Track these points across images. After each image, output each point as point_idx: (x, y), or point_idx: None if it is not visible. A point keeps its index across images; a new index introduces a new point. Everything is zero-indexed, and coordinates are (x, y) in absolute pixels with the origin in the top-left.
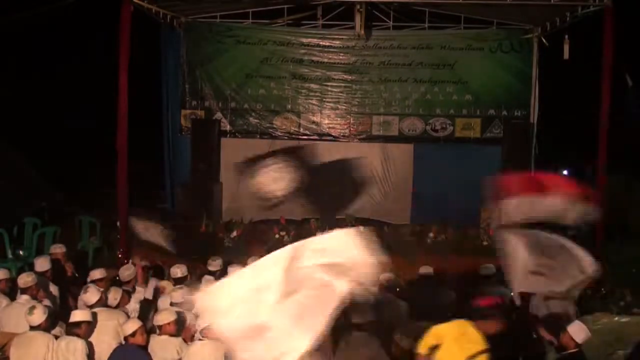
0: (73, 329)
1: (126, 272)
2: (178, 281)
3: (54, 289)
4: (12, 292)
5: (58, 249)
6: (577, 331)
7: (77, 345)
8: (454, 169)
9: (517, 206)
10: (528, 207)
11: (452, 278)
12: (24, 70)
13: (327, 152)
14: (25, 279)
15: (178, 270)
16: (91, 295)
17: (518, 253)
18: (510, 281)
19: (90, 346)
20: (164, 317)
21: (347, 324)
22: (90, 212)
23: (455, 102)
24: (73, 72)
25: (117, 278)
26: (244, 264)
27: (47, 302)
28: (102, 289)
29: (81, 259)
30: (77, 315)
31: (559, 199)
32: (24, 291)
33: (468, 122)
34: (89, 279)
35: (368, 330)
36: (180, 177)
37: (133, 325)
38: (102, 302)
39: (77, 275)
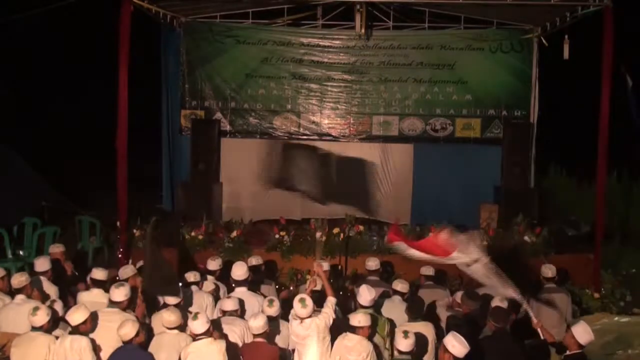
0: (76, 329)
1: (124, 270)
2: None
3: (53, 289)
4: (11, 292)
5: (57, 249)
6: (581, 333)
7: (82, 343)
8: (454, 169)
9: None
10: None
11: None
12: (24, 70)
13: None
14: (19, 279)
15: (191, 275)
16: (120, 294)
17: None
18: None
19: (94, 342)
20: (172, 318)
21: None
22: (90, 212)
23: (455, 102)
24: (73, 72)
25: (117, 278)
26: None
27: (58, 305)
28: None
29: (81, 259)
30: (78, 317)
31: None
32: (18, 291)
33: (468, 122)
34: (89, 278)
35: None
36: (180, 177)
37: (133, 328)
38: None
39: (76, 273)
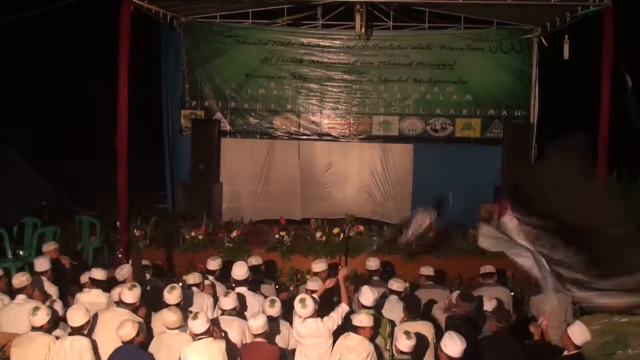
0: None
1: (121, 272)
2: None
3: (53, 289)
4: (11, 292)
5: (51, 247)
6: (577, 333)
7: (82, 343)
8: (454, 169)
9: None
10: None
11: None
12: (24, 70)
13: (327, 152)
14: (20, 279)
15: (191, 277)
16: (132, 295)
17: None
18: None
19: (94, 343)
20: (173, 318)
21: None
22: (90, 212)
23: (455, 102)
24: (73, 72)
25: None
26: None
27: (58, 305)
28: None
29: (81, 259)
30: (77, 319)
31: None
32: (19, 291)
33: (468, 122)
34: (89, 277)
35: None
36: (180, 177)
37: (133, 329)
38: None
39: (75, 263)
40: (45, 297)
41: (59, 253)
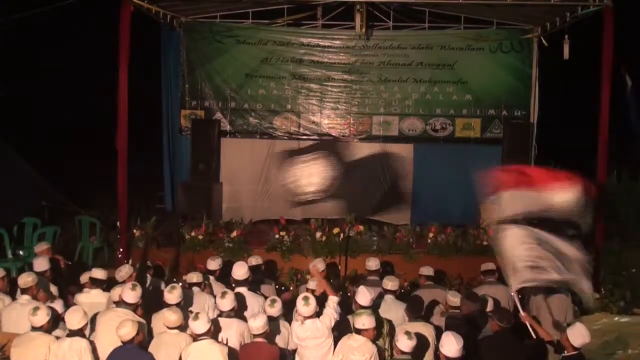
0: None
1: (120, 272)
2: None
3: (54, 289)
4: (11, 292)
5: (43, 247)
6: (575, 335)
7: (81, 344)
8: (454, 169)
9: (509, 200)
10: (521, 201)
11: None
12: (24, 70)
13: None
14: (25, 279)
15: (194, 276)
16: (135, 295)
17: (511, 248)
18: (507, 279)
19: (93, 344)
20: (173, 317)
21: None
22: (90, 212)
23: (455, 102)
24: (73, 72)
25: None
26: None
27: (58, 304)
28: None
29: (81, 259)
30: (75, 322)
31: (555, 194)
32: (24, 291)
33: (468, 122)
34: (89, 277)
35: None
36: (180, 177)
37: (133, 328)
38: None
39: (69, 263)
40: (50, 297)
41: (53, 253)
